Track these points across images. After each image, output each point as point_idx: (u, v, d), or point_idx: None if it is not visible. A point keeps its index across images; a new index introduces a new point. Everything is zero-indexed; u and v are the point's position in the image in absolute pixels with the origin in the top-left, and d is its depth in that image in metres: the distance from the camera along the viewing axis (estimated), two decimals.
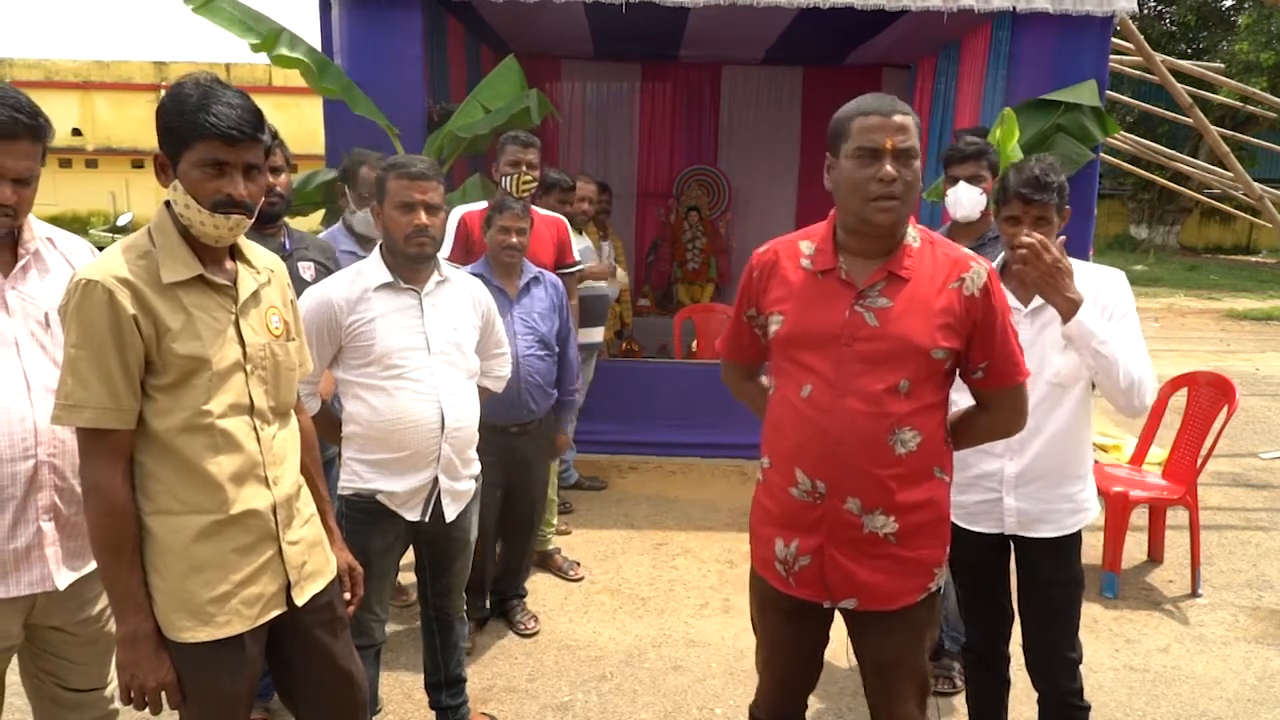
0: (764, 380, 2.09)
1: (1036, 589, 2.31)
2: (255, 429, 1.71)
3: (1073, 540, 2.29)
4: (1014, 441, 2.22)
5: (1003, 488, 2.27)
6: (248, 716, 1.79)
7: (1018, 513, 2.26)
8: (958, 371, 1.88)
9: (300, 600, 1.80)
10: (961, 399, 1.96)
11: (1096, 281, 2.22)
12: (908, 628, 1.89)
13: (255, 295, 1.75)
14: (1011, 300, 2.24)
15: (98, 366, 1.56)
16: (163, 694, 1.66)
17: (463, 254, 3.65)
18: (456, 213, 3.73)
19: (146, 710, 1.67)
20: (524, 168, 3.69)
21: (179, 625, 1.65)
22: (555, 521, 4.11)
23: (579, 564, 4.05)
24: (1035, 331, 2.23)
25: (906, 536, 1.81)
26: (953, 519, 2.35)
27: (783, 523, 1.88)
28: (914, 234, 1.84)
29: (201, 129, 1.56)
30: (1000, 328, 1.82)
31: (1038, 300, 2.21)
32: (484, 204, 3.80)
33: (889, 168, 1.71)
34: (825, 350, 1.80)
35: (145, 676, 1.63)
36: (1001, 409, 1.92)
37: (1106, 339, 2.07)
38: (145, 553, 1.64)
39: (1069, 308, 2.06)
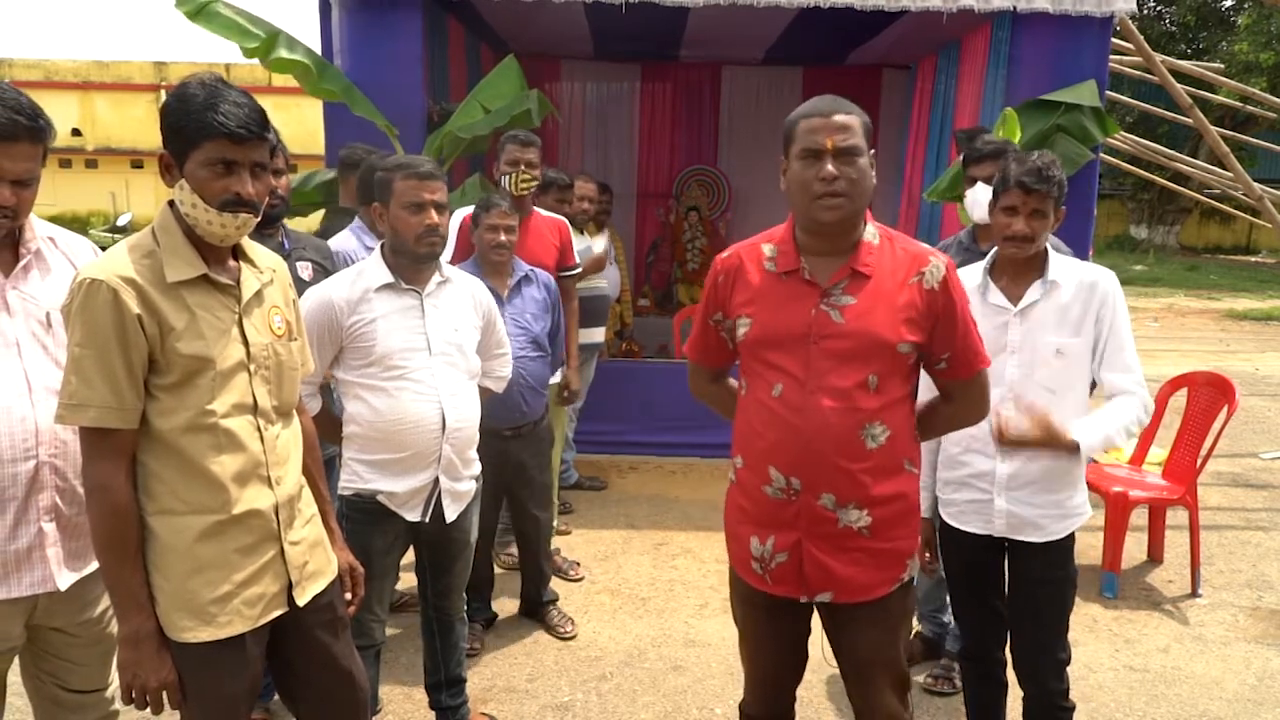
0: (732, 382, 2.10)
1: (1025, 588, 2.31)
2: (259, 429, 1.71)
3: (1063, 543, 2.28)
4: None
5: (994, 489, 2.27)
6: (249, 717, 1.79)
7: (1007, 515, 2.26)
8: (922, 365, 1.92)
9: (302, 600, 1.80)
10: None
11: (1087, 285, 2.23)
12: (883, 619, 1.92)
13: (258, 295, 1.75)
14: (1002, 300, 2.26)
15: (102, 366, 1.56)
16: (164, 694, 1.66)
17: (464, 257, 3.63)
18: (458, 215, 3.73)
19: (147, 710, 1.67)
20: (523, 166, 3.67)
21: (181, 625, 1.65)
22: (555, 522, 4.11)
23: (579, 564, 4.05)
24: (1025, 332, 2.23)
25: (879, 528, 1.85)
26: (944, 517, 2.37)
27: (758, 521, 1.91)
28: (873, 231, 1.87)
29: (209, 128, 1.57)
30: (961, 319, 1.86)
31: (1027, 299, 2.23)
32: None
33: (829, 166, 1.75)
34: (793, 349, 1.82)
35: (147, 676, 1.63)
36: (965, 398, 1.96)
37: (1110, 430, 2.19)
38: (148, 553, 1.64)
39: (1073, 448, 2.15)
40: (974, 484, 2.30)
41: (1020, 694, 2.38)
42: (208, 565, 1.66)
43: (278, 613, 1.77)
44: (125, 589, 1.62)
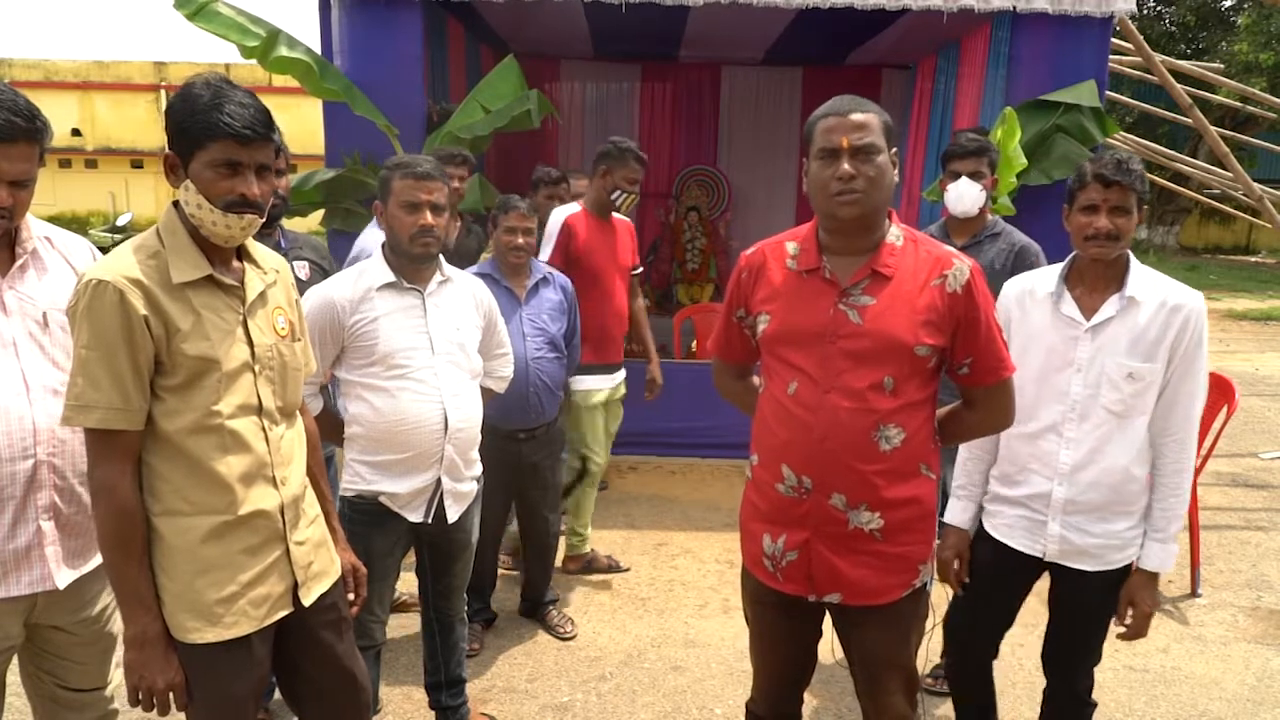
0: (755, 380, 2.09)
1: (1070, 613, 2.22)
2: (264, 429, 1.71)
3: (1117, 572, 2.15)
4: (1065, 466, 2.13)
5: (1049, 512, 2.15)
6: (255, 717, 1.79)
7: (1060, 540, 2.15)
8: (944, 369, 1.88)
9: (307, 601, 1.80)
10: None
11: (1170, 308, 2.05)
12: (893, 623, 1.91)
13: (262, 296, 1.75)
14: (1075, 312, 2.12)
15: (108, 367, 1.55)
16: (170, 695, 1.65)
17: (563, 258, 3.61)
18: (558, 214, 3.69)
19: (149, 711, 1.67)
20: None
21: (187, 626, 1.65)
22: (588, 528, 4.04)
23: (615, 558, 4.07)
24: (1095, 350, 2.09)
25: (892, 532, 1.83)
26: (988, 529, 2.28)
27: (770, 519, 1.90)
28: (897, 232, 1.85)
29: (215, 129, 1.56)
30: (984, 324, 1.82)
31: (1101, 315, 2.09)
32: (578, 206, 3.75)
33: (846, 165, 1.75)
34: (810, 348, 1.82)
35: (154, 678, 1.63)
36: (988, 405, 1.92)
37: (1169, 531, 2.11)
38: (153, 554, 1.64)
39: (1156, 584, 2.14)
40: (1028, 504, 2.19)
41: (1027, 694, 2.37)
42: (213, 566, 1.65)
43: (283, 613, 1.77)
44: (131, 590, 1.61)
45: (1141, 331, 2.06)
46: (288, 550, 1.75)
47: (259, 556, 1.71)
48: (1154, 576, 2.14)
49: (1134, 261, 2.13)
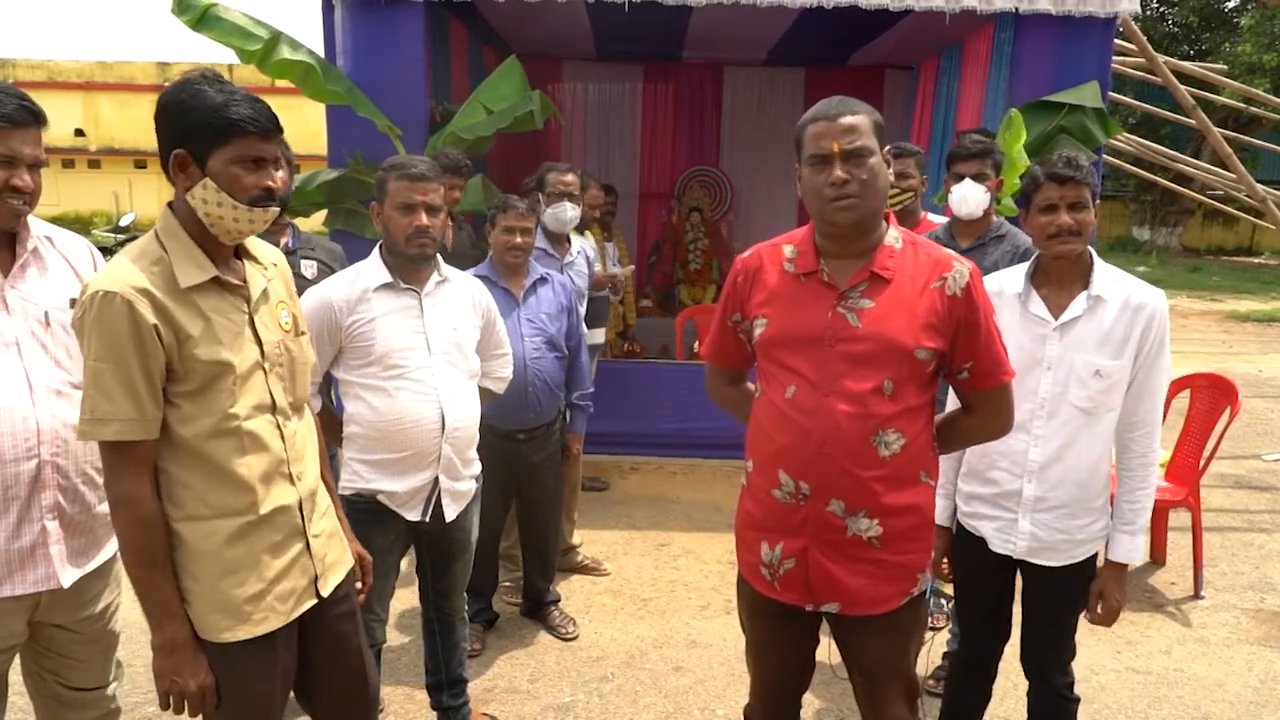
0: (750, 386, 2.07)
1: (1039, 604, 2.26)
2: (279, 426, 1.71)
3: (1080, 565, 2.20)
4: (1033, 464, 2.15)
5: (1019, 510, 2.19)
6: (281, 714, 1.79)
7: (1030, 538, 2.18)
8: (942, 374, 1.86)
9: (325, 591, 1.80)
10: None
11: (1133, 308, 2.09)
12: (892, 632, 1.88)
13: (264, 293, 1.75)
14: (1043, 311, 2.16)
15: (121, 378, 1.53)
16: (203, 696, 1.65)
17: None
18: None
19: (180, 714, 1.66)
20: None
21: (219, 626, 1.65)
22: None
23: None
24: (1063, 348, 2.12)
25: (890, 540, 1.80)
26: (965, 530, 2.31)
27: (766, 526, 1.88)
28: (895, 235, 1.83)
29: (237, 126, 1.56)
30: (984, 328, 1.80)
31: (1069, 314, 2.12)
32: None
33: (838, 171, 1.72)
34: (808, 351, 1.79)
35: (186, 681, 1.62)
36: (988, 410, 1.90)
37: (1137, 523, 2.14)
38: (177, 558, 1.63)
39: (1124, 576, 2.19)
40: (999, 503, 2.22)
41: (1006, 685, 2.37)
42: (239, 566, 1.65)
43: (310, 604, 1.77)
44: (158, 597, 1.60)
45: (1108, 330, 2.10)
46: (308, 543, 1.76)
47: (282, 553, 1.71)
48: (1123, 568, 2.19)
49: (1097, 260, 2.16)
